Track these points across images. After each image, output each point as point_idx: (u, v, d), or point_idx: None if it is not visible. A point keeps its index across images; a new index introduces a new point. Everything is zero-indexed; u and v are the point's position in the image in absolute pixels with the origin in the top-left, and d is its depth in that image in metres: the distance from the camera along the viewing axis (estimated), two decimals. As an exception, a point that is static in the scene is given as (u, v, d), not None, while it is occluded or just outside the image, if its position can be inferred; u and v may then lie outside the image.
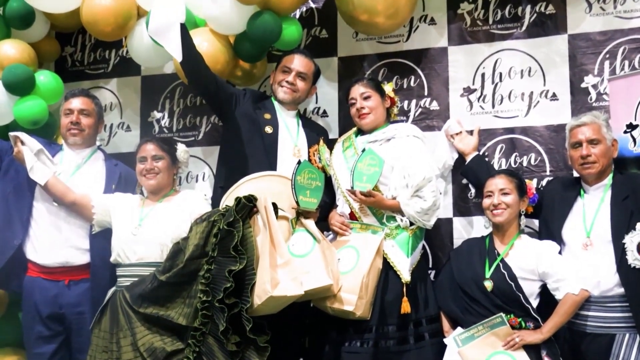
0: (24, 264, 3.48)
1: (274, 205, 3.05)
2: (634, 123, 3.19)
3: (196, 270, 3.00)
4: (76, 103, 3.60)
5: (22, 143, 3.38)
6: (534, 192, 3.32)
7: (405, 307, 3.15)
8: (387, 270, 3.21)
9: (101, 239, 3.40)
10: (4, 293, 3.77)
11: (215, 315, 2.92)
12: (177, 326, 3.01)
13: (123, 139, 4.23)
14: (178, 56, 3.21)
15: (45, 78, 3.80)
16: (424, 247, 3.45)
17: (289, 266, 2.94)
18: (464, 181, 3.68)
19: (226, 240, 2.94)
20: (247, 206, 3.01)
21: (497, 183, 3.21)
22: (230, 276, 2.86)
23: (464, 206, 3.69)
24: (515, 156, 3.65)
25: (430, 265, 3.66)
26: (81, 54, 4.39)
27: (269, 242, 2.96)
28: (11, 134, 3.43)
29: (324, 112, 3.98)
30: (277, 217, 3.04)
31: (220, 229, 2.95)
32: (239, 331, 2.91)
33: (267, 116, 3.52)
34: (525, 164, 3.63)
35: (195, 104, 4.16)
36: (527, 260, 3.11)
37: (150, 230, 3.28)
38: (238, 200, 3.01)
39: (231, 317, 2.88)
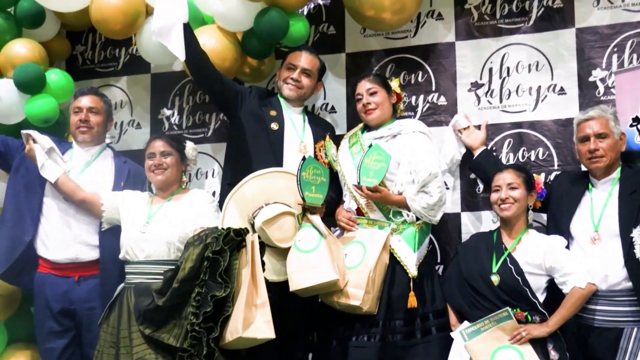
0: (34, 260, 3.51)
1: (262, 244, 3.03)
2: (640, 116, 3.19)
3: (189, 292, 2.96)
4: (85, 101, 3.63)
5: (34, 141, 3.41)
6: (542, 186, 3.31)
7: (412, 301, 3.17)
8: (394, 265, 3.22)
9: (110, 236, 3.43)
10: (16, 289, 3.80)
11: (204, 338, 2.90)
12: (170, 345, 3.00)
13: (133, 137, 4.26)
14: (181, 56, 3.23)
15: (56, 76, 3.83)
16: (431, 241, 3.46)
17: (265, 307, 2.90)
18: (472, 176, 3.68)
19: (214, 266, 2.93)
20: (235, 240, 2.98)
21: (505, 177, 3.21)
22: (211, 301, 2.85)
23: (472, 201, 3.69)
24: (523, 151, 3.64)
25: (439, 260, 3.66)
26: (91, 53, 4.42)
27: (249, 279, 2.92)
28: (23, 131, 3.45)
29: (332, 108, 3.98)
30: (262, 256, 2.99)
31: (209, 254, 2.94)
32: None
33: (273, 113, 3.52)
34: (533, 158, 3.62)
35: (205, 101, 4.18)
36: (534, 255, 3.10)
37: (159, 228, 3.29)
38: (228, 231, 2.98)
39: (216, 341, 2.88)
